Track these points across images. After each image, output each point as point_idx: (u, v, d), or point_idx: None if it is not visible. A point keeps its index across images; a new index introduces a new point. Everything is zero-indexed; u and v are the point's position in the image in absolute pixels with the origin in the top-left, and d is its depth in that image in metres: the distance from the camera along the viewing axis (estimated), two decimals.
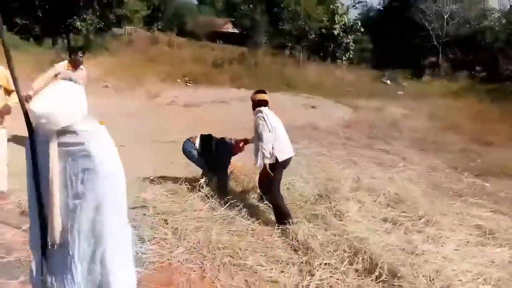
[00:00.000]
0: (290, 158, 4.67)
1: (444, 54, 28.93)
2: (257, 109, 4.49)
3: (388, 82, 19.94)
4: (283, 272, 3.57)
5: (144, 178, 5.27)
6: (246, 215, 4.52)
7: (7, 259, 3.26)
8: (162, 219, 4.17)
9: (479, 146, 8.91)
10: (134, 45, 25.09)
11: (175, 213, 4.29)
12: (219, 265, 3.55)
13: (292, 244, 4.00)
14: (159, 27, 45.94)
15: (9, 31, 20.16)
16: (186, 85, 14.31)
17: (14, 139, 5.11)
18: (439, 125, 10.62)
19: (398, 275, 3.52)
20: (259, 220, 4.46)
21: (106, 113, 6.74)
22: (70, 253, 1.94)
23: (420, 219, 4.76)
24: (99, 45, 22.67)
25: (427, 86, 19.36)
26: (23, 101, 1.92)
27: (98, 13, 20.62)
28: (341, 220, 4.57)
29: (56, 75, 5.96)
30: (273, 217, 4.51)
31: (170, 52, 20.26)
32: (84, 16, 19.97)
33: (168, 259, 3.54)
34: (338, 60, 25.43)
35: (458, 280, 3.62)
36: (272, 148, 4.35)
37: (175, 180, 5.19)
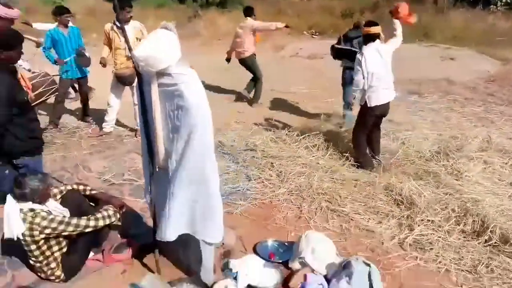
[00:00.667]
0: (386, 106, 4.42)
1: None
2: (362, 49, 4.31)
3: None
4: (380, 223, 3.56)
5: (258, 124, 5.60)
6: (352, 167, 4.51)
7: (137, 183, 3.97)
8: (269, 162, 4.45)
9: None
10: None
11: (282, 158, 4.54)
12: (316, 208, 3.71)
13: (396, 198, 3.89)
14: None
15: None
16: (312, 37, 14.09)
17: None
18: None
19: (511, 241, 3.19)
20: (365, 172, 4.41)
21: (234, 64, 7.20)
22: (170, 175, 2.30)
23: None
24: (235, 1, 23.61)
25: None
26: (131, 48, 2.26)
27: None
28: (457, 180, 4.23)
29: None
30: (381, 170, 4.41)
31: (299, 4, 19.94)
32: None
33: (269, 198, 3.83)
34: (492, 6, 21.66)
35: None
36: (365, 91, 4.25)
37: (287, 128, 5.40)
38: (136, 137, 5.05)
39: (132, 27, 4.83)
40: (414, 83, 8.04)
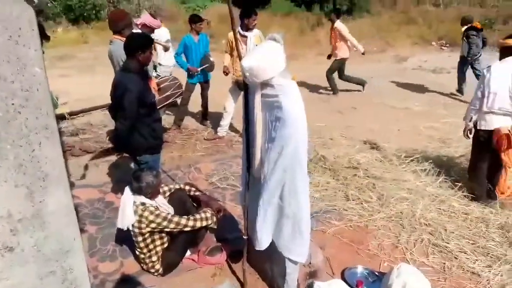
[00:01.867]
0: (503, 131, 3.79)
1: None
2: (489, 65, 3.85)
3: None
4: (490, 266, 3.19)
5: (364, 142, 5.44)
6: (464, 199, 4.11)
7: (239, 189, 4.14)
8: (371, 183, 4.30)
9: None
10: (397, 6, 24.23)
11: (385, 180, 4.35)
12: (416, 240, 3.49)
13: None
14: None
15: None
16: (441, 48, 13.04)
17: None
18: None
19: None
20: (479, 206, 3.98)
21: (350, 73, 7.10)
22: (263, 184, 2.41)
23: None
24: (362, 8, 23.04)
25: None
26: (241, 57, 2.42)
27: None
28: None
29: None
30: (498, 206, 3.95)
31: (434, 12, 18.56)
32: None
33: (366, 221, 3.72)
34: None
35: None
36: (480, 112, 3.84)
37: (396, 147, 5.16)
38: None
39: (253, 35, 5.12)
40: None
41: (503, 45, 3.87)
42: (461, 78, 7.85)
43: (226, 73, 5.54)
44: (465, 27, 7.69)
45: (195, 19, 5.78)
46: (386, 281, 2.79)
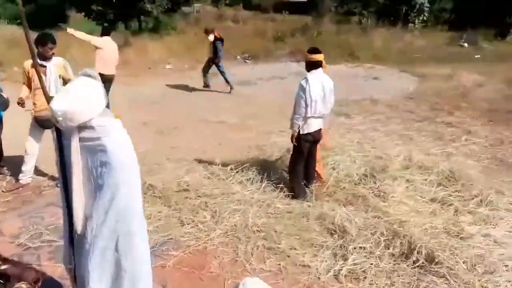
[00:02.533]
0: (318, 132, 4.57)
1: None
2: (305, 76, 4.34)
3: (466, 45, 18.09)
4: (316, 255, 3.59)
5: (191, 161, 5.51)
6: (286, 198, 4.56)
7: (57, 243, 3.55)
8: (203, 202, 4.36)
9: None
10: (200, 23, 25.57)
11: (216, 196, 4.47)
12: (252, 249, 3.67)
13: (329, 227, 3.97)
14: (227, 2, 46.08)
15: (86, 17, 21.70)
16: (245, 62, 14.34)
17: None
18: None
19: (436, 260, 3.38)
20: (298, 203, 4.47)
21: (166, 94, 7.07)
22: (89, 241, 2.12)
23: (473, 198, 4.45)
24: (168, 26, 23.49)
25: (510, 46, 17.28)
26: (49, 99, 2.08)
27: None
28: (384, 202, 4.44)
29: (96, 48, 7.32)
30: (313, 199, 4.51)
31: (234, 28, 20.28)
32: None
33: (204, 243, 3.73)
34: (410, 24, 23.53)
35: (504, 266, 3.40)
36: (305, 119, 4.38)
37: (220, 162, 5.37)
38: (58, 187, 4.72)
39: (54, 64, 4.56)
40: (342, 105, 8.41)
41: (310, 59, 4.37)
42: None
43: (20, 104, 4.64)
44: (212, 35, 9.80)
45: None
46: None
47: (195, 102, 8.87)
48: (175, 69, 12.73)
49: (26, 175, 4.84)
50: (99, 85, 2.06)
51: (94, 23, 21.37)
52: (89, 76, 2.07)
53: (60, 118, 1.92)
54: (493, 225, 4.04)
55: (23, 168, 4.81)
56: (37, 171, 5.09)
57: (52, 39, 4.51)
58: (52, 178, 4.95)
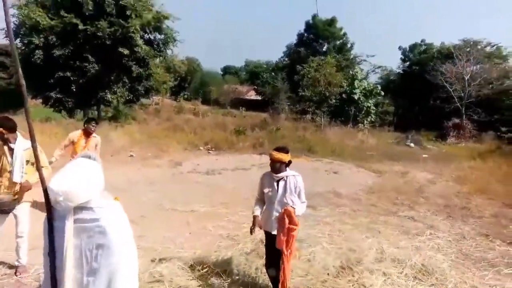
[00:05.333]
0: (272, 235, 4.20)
1: (467, 115, 28.73)
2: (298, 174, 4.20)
3: (412, 145, 19.70)
4: None
5: (162, 250, 5.22)
6: None
7: None
8: None
9: (511, 210, 8.50)
10: (161, 114, 26.23)
11: None
12: None
13: None
14: (185, 96, 48.03)
15: (43, 105, 21.51)
16: (208, 152, 14.57)
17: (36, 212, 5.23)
18: (467, 189, 10.26)
19: None
20: None
21: (131, 182, 6.86)
22: None
23: None
24: (128, 115, 23.84)
25: (452, 148, 19.02)
26: (43, 178, 2.02)
27: (127, 86, 21.83)
28: None
29: (73, 143, 6.45)
30: None
31: (194, 120, 20.92)
32: (115, 89, 21.14)
33: None
34: (360, 124, 25.57)
35: None
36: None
37: (192, 252, 5.13)
38: (16, 276, 4.26)
39: (22, 148, 4.33)
40: (307, 198, 8.52)
41: (280, 159, 4.06)
42: None
43: None
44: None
45: None
46: None
47: (163, 190, 8.68)
48: (138, 157, 12.62)
49: None
50: (99, 166, 2.05)
51: (51, 110, 21.26)
52: (89, 157, 2.07)
53: (61, 198, 1.88)
54: None
55: None
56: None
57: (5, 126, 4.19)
58: (10, 266, 4.48)
